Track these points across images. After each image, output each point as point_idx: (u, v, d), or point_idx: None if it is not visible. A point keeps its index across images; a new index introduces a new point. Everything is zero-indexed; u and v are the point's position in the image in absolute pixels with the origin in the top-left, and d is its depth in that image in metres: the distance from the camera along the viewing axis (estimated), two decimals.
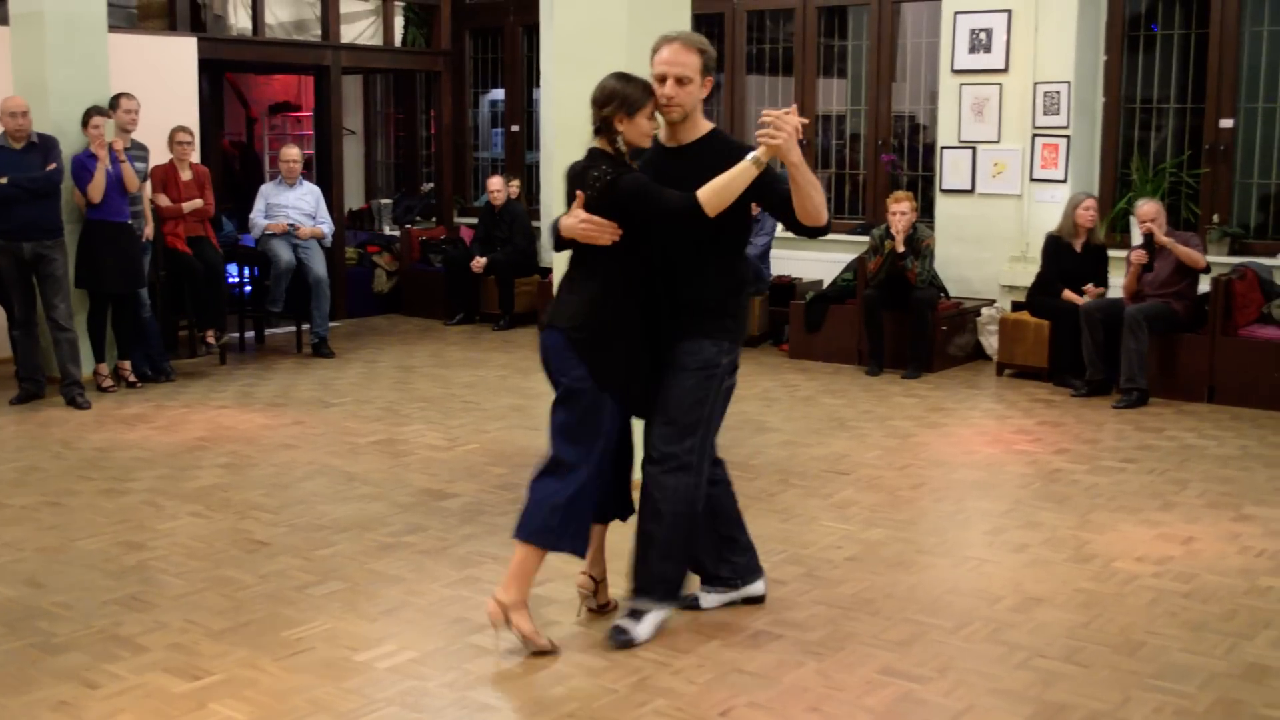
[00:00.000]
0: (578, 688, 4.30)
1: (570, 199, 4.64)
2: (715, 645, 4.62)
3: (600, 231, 4.49)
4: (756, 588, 5.03)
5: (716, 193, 4.41)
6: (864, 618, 4.90)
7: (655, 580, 4.68)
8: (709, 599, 4.97)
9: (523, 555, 4.56)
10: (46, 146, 8.62)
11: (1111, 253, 9.67)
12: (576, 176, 4.61)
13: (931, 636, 4.72)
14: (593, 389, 4.51)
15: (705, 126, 4.69)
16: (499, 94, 14.35)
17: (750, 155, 4.42)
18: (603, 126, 4.55)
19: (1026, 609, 5.00)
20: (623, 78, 4.58)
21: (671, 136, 4.69)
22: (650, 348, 4.63)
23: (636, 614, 4.68)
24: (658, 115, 4.61)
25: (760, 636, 4.71)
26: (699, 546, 4.82)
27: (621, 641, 4.60)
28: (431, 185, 14.55)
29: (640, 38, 4.84)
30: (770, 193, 4.56)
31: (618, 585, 4.90)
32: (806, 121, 4.57)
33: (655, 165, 4.63)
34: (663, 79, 4.56)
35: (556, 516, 4.50)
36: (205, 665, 4.46)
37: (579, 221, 4.52)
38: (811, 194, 4.46)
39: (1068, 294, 9.32)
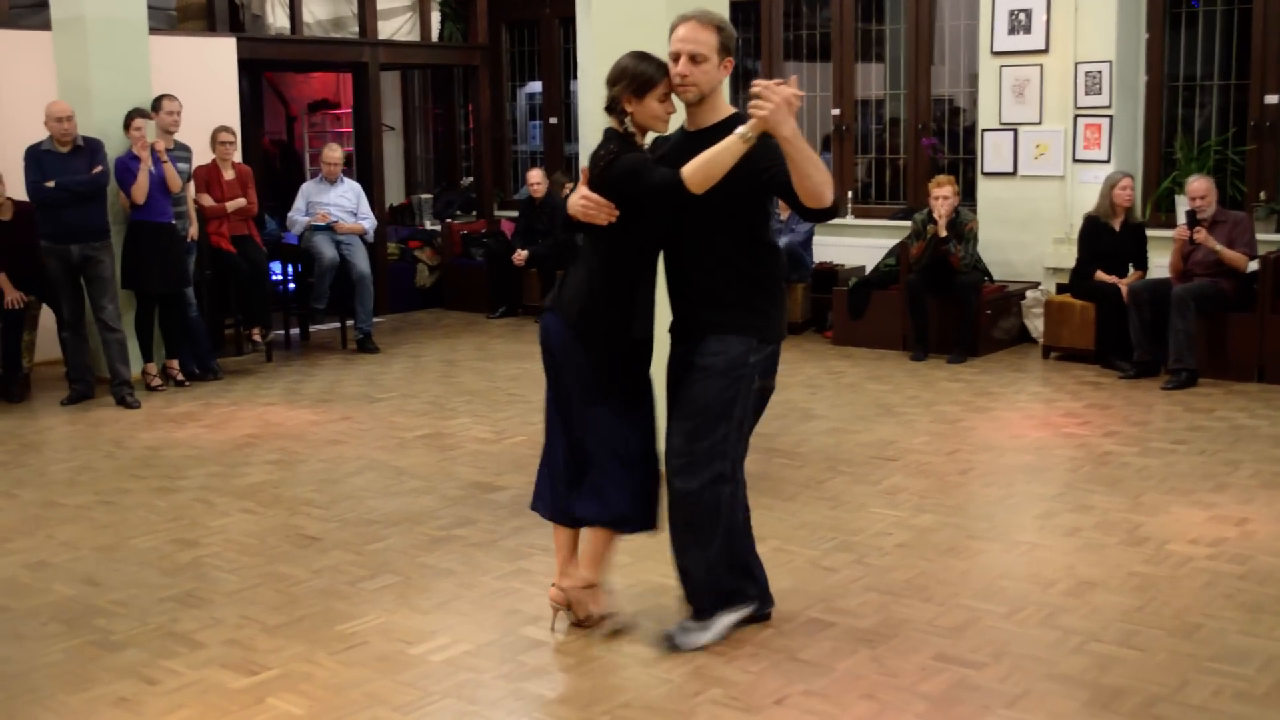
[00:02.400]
0: (632, 678, 4.30)
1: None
2: (769, 634, 4.62)
3: (597, 210, 4.33)
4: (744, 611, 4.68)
5: (699, 168, 4.13)
6: (916, 604, 4.89)
7: (704, 591, 4.52)
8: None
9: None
10: (92, 150, 8.69)
11: (1155, 233, 9.59)
12: (592, 156, 4.48)
13: (985, 622, 4.70)
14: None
15: (726, 110, 4.45)
16: (536, 87, 14.34)
17: (738, 130, 4.12)
18: (611, 105, 4.40)
19: (1080, 593, 4.97)
20: (639, 56, 4.38)
21: (691, 121, 4.44)
22: (649, 335, 4.48)
23: (699, 618, 4.53)
24: (674, 98, 4.38)
25: (813, 624, 4.70)
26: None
27: (670, 646, 4.49)
28: (471, 179, 14.58)
29: None
30: (770, 173, 4.22)
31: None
32: (802, 94, 4.17)
33: (679, 150, 4.34)
34: (676, 57, 4.30)
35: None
36: (262, 660, 4.50)
37: (579, 199, 4.37)
38: (810, 171, 4.10)
39: (1100, 275, 9.26)
